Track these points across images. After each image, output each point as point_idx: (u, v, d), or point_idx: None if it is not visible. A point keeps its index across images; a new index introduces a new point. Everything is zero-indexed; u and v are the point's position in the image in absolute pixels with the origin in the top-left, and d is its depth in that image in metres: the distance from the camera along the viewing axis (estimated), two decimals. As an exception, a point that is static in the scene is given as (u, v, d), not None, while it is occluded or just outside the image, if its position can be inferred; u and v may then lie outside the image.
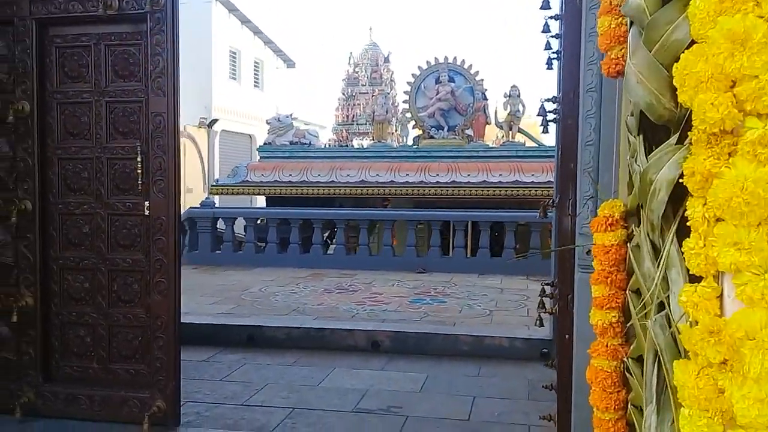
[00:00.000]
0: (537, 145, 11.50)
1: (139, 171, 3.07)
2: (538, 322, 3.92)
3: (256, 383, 4.42)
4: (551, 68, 4.38)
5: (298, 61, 29.61)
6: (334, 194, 10.89)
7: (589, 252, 1.66)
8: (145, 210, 3.12)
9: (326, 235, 11.59)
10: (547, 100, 3.66)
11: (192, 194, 16.41)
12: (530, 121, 13.02)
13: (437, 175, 10.79)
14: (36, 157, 3.16)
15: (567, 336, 2.77)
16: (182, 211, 10.89)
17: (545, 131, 4.06)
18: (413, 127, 12.41)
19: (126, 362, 3.31)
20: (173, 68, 3.03)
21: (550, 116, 4.51)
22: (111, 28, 3.18)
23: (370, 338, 5.13)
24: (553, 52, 4.14)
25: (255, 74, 25.82)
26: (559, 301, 2.84)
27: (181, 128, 12.98)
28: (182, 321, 5.65)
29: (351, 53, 17.13)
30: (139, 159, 3.08)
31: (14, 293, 3.20)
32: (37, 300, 3.18)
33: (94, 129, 3.22)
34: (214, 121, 21.99)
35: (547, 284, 3.68)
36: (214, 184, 11.23)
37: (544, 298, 3.71)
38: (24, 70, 3.16)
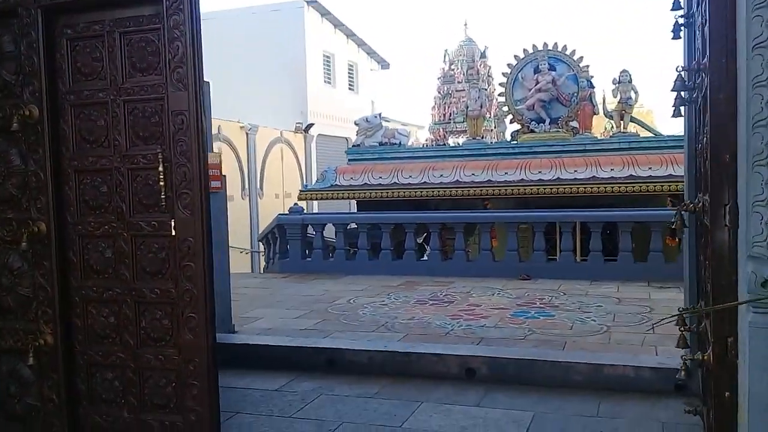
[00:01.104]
0: (653, 135, 10.31)
1: (162, 183, 2.57)
2: (681, 342, 3.06)
3: (331, 421, 3.84)
4: (678, 36, 3.52)
5: (393, 61, 29.33)
6: (427, 196, 10.25)
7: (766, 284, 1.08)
8: (172, 230, 2.61)
9: (421, 239, 10.97)
10: (683, 69, 2.84)
11: (291, 199, 16.34)
12: (643, 110, 11.80)
13: (539, 172, 9.90)
14: (49, 170, 2.72)
15: (727, 394, 1.98)
16: (273, 219, 10.67)
17: (677, 114, 3.20)
18: (511, 122, 11.54)
19: (160, 412, 2.81)
20: (194, 55, 2.51)
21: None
22: (126, 12, 2.70)
23: (463, 364, 4.44)
24: (681, 16, 3.28)
25: (350, 77, 25.69)
26: (714, 345, 2.05)
27: (278, 134, 12.84)
28: (260, 342, 5.24)
29: (446, 50, 16.81)
30: (161, 168, 2.57)
31: (34, 329, 2.79)
32: (58, 337, 2.75)
33: (112, 134, 2.75)
34: (310, 125, 21.98)
35: (686, 311, 2.86)
36: (303, 189, 10.89)
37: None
38: (31, 68, 2.74)
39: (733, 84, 1.84)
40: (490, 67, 16.24)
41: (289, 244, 9.92)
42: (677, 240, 8.97)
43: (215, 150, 15.30)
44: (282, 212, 10.19)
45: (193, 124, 2.55)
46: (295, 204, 10.10)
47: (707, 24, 1.97)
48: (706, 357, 2.86)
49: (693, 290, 3.83)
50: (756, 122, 1.66)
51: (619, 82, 10.04)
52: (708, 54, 1.95)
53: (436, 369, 4.47)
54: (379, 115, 11.44)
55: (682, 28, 3.39)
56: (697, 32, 2.78)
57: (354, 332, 5.88)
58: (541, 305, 6.97)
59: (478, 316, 6.50)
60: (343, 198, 10.64)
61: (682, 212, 3.27)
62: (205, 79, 2.75)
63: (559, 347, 5.14)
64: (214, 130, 17.11)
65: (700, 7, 2.38)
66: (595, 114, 10.65)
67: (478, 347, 4.83)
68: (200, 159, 2.57)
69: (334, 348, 4.78)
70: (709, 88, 1.97)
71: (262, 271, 11.52)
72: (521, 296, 7.50)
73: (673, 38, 3.51)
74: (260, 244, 11.82)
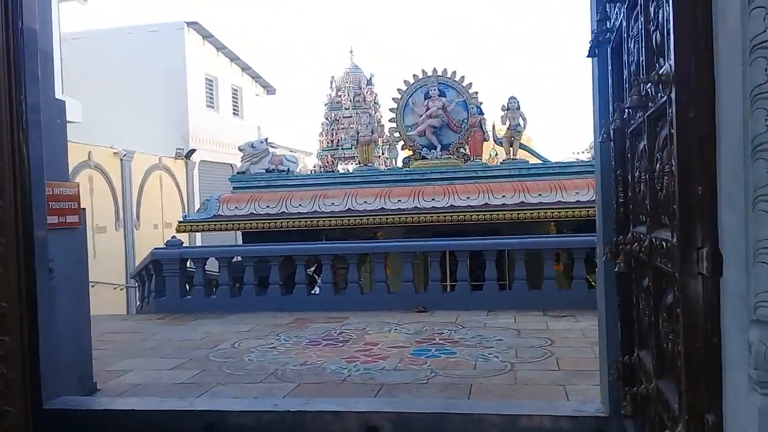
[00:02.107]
0: (542, 162, 10.37)
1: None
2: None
3: (209, 508, 3.18)
4: (594, 54, 3.23)
5: (279, 87, 28.76)
6: (318, 225, 9.69)
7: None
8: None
9: (312, 270, 10.37)
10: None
11: (171, 230, 15.19)
12: (530, 136, 11.93)
13: (432, 199, 9.63)
14: None
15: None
16: (148, 254, 9.67)
17: (606, 140, 2.87)
18: (402, 148, 11.28)
19: None
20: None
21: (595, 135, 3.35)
22: None
23: (364, 423, 3.89)
24: (602, 31, 2.98)
25: (234, 102, 24.76)
26: (688, 422, 1.63)
27: (156, 160, 11.75)
28: (123, 408, 4.43)
29: (332, 77, 16.79)
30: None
31: None
32: None
33: None
34: (192, 151, 20.81)
35: (620, 362, 2.48)
36: (182, 220, 9.99)
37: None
38: None
39: (709, 99, 1.48)
40: (376, 95, 16.32)
41: (166, 280, 9.00)
42: (562, 266, 8.97)
43: (78, 179, 13.98)
44: (158, 246, 9.25)
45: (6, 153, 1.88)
46: (173, 237, 9.20)
47: (667, 27, 1.62)
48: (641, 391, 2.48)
49: (609, 331, 3.52)
50: (758, 146, 1.28)
51: (507, 109, 10.04)
52: (672, 64, 1.58)
53: (334, 429, 3.89)
54: (266, 140, 10.78)
55: (602, 44, 3.10)
56: (630, 45, 2.46)
57: (239, 384, 5.20)
58: (441, 341, 6.59)
59: (376, 357, 5.99)
60: (227, 229, 9.85)
61: (606, 248, 2.94)
62: (73, 100, 2.08)
63: (466, 392, 4.74)
64: (84, 157, 15.72)
65: (649, 9, 2.03)
66: (485, 140, 10.59)
67: (380, 400, 4.30)
68: (17, 197, 1.89)
69: (213, 411, 4.07)
70: (675, 105, 1.59)
71: (136, 312, 10.43)
72: (419, 331, 7.09)
73: (588, 56, 3.22)
74: (134, 281, 10.73)
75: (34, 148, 2.79)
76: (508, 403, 4.09)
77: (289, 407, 4.01)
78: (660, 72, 1.76)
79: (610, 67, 3.05)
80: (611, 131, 2.97)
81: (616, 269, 2.85)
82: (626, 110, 2.74)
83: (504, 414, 3.76)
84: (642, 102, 2.23)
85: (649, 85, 1.99)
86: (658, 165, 2.33)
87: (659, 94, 1.89)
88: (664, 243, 2.19)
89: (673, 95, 1.64)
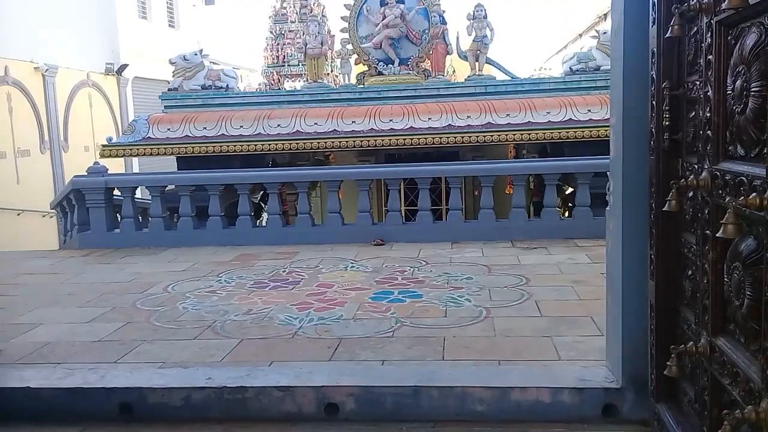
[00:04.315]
0: (510, 78, 9.48)
1: None
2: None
3: None
4: None
5: (219, -4, 26.55)
6: (263, 150, 8.68)
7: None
8: None
9: (257, 198, 9.45)
10: None
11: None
12: (501, 48, 10.97)
13: (390, 120, 8.71)
14: None
15: None
16: (68, 182, 8.53)
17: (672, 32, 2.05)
18: (356, 63, 10.19)
19: None
20: None
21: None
22: None
23: (321, 400, 3.14)
24: None
25: (169, 13, 22.76)
26: None
27: (84, 76, 10.25)
28: (16, 384, 3.55)
29: None
30: None
31: None
32: None
33: None
34: (124, 66, 19.05)
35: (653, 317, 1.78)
36: (106, 144, 8.80)
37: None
38: None
39: None
40: (324, 7, 15.03)
41: (90, 212, 7.94)
42: (513, 189, 8.16)
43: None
44: (78, 174, 8.11)
45: None
46: (96, 163, 8.06)
47: None
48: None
49: (629, 280, 2.80)
50: None
51: (473, 18, 9.03)
52: None
53: (284, 409, 3.13)
54: (200, 52, 9.50)
55: None
56: None
57: (168, 342, 4.37)
58: (404, 281, 5.87)
59: (331, 302, 5.23)
60: (158, 154, 8.74)
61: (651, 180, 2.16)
62: None
63: (439, 348, 4.03)
64: (0, 72, 14.09)
65: None
66: (448, 54, 9.60)
67: (339, 367, 3.53)
68: None
69: (131, 388, 3.24)
70: None
71: (59, 247, 9.37)
72: (378, 269, 6.36)
73: None
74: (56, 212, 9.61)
75: None
76: (495, 370, 3.38)
77: (226, 382, 3.21)
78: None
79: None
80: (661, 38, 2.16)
81: (665, 208, 2.10)
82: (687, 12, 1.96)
83: (492, 387, 3.05)
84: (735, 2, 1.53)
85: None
86: (739, 81, 1.74)
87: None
88: (744, 178, 1.70)
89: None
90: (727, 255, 1.81)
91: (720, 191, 1.84)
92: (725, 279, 1.84)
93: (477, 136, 8.42)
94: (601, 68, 8.68)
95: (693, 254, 2.15)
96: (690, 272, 2.21)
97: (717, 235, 1.63)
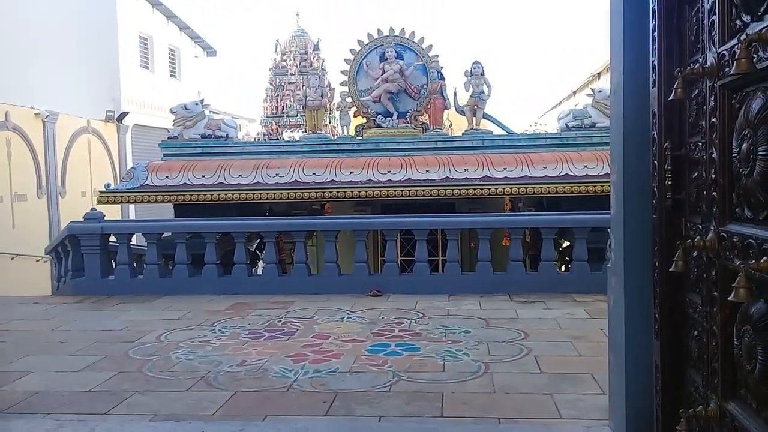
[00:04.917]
0: (507, 133, 9.61)
1: None
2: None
3: None
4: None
5: (220, 49, 27.12)
6: (261, 199, 8.70)
7: None
8: None
9: (254, 246, 9.42)
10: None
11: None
12: (497, 104, 11.17)
13: (388, 171, 8.77)
14: None
15: None
16: (64, 228, 8.51)
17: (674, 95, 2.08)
18: (355, 115, 10.33)
19: None
20: None
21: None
22: None
23: (318, 457, 3.06)
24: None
25: (171, 63, 23.16)
26: None
27: (84, 122, 10.34)
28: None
29: (278, 40, 15.99)
30: None
31: None
32: None
33: None
34: (124, 114, 19.25)
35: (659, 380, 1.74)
36: (105, 190, 8.81)
37: None
38: None
39: None
40: (323, 60, 15.43)
41: (85, 258, 7.89)
42: (510, 241, 8.18)
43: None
44: (75, 219, 8.10)
45: None
46: (93, 209, 8.05)
47: None
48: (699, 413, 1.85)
49: (632, 339, 2.78)
50: None
51: (471, 75, 9.21)
52: None
53: (279, 465, 3.05)
54: (201, 101, 9.62)
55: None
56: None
57: (161, 393, 4.28)
58: (401, 333, 5.80)
59: (327, 354, 5.16)
60: (156, 201, 8.74)
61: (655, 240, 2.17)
62: None
63: (437, 404, 3.97)
64: (0, 117, 14.21)
65: None
66: (446, 108, 9.75)
67: (336, 426, 3.45)
68: None
69: (121, 442, 3.16)
70: None
71: (52, 293, 9.26)
72: (375, 320, 6.30)
73: None
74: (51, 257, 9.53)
75: None
76: (495, 429, 3.32)
77: (219, 438, 3.13)
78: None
79: (657, 21, 2.27)
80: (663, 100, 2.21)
81: (672, 268, 2.09)
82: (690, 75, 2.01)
83: (494, 445, 2.98)
84: (742, 68, 1.56)
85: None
86: (745, 144, 1.76)
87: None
88: (753, 241, 1.70)
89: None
90: (736, 318, 1.80)
91: (728, 253, 1.84)
92: (735, 342, 1.83)
93: (474, 189, 8.47)
94: (597, 125, 8.82)
95: (699, 315, 2.14)
96: (696, 333, 2.19)
97: (729, 298, 1.62)
